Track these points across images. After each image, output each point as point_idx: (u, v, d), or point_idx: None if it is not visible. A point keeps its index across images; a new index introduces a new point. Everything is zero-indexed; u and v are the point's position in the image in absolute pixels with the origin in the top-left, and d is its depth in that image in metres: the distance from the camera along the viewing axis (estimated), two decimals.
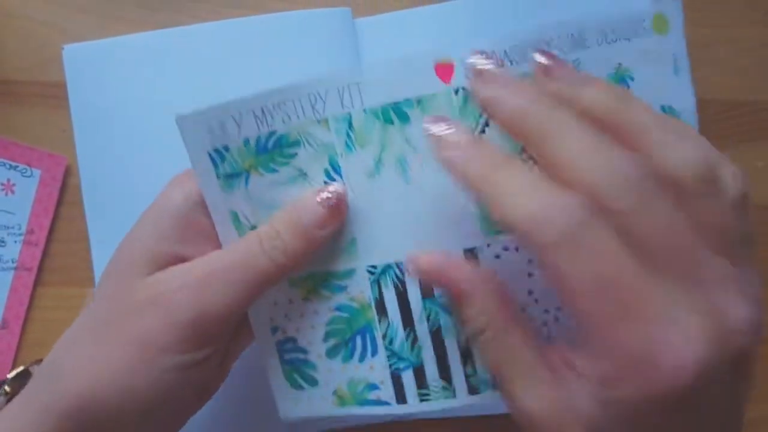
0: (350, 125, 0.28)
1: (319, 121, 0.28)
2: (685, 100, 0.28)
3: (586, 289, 0.21)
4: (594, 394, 0.22)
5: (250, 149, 0.28)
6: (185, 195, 0.28)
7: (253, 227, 0.28)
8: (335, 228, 0.28)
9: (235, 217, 0.28)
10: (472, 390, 0.29)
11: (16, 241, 0.37)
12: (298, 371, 0.30)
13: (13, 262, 0.37)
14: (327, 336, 0.30)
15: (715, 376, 0.20)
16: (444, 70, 0.27)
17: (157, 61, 0.38)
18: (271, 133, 0.28)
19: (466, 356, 0.28)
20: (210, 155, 0.28)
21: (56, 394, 0.26)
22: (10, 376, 0.33)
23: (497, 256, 0.27)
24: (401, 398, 0.29)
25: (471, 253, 0.27)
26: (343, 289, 0.29)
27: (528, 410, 0.23)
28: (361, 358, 0.29)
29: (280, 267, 0.27)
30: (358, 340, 0.29)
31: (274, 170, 0.28)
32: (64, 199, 0.38)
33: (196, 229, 0.28)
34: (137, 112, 0.38)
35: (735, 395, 0.22)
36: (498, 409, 0.34)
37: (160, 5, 0.39)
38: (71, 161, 0.38)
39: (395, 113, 0.27)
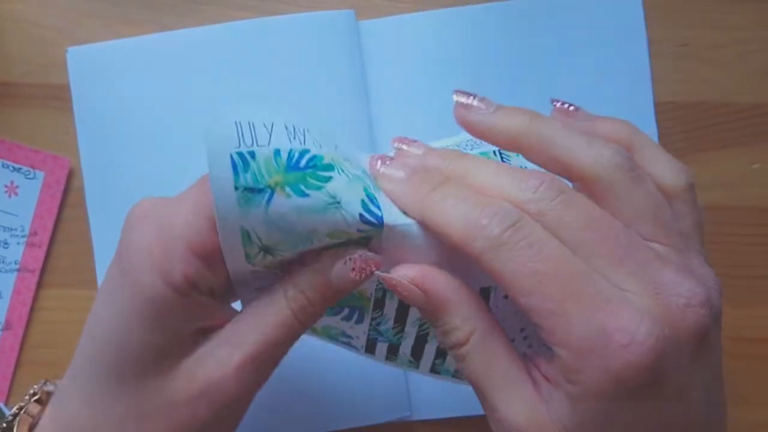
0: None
1: (344, 159, 0.25)
2: None
3: (528, 286, 0.21)
4: (564, 396, 0.22)
5: (281, 163, 0.23)
6: (168, 283, 0.24)
7: (264, 247, 0.24)
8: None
9: (246, 236, 0.24)
10: (434, 371, 0.31)
11: (19, 243, 0.37)
12: None
13: (16, 263, 0.37)
14: None
15: (674, 354, 0.21)
16: None
17: (161, 64, 0.38)
18: (305, 151, 0.24)
19: (441, 355, 0.30)
20: (232, 158, 0.23)
21: None
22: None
23: (505, 297, 0.27)
24: (370, 350, 0.30)
25: (485, 291, 0.27)
26: None
27: (510, 421, 0.23)
28: (345, 319, 0.29)
29: (308, 327, 0.27)
30: (346, 311, 0.29)
31: (303, 194, 0.23)
32: (67, 201, 0.38)
33: (197, 306, 0.25)
34: (141, 115, 0.38)
35: (703, 383, 0.22)
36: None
37: (165, 8, 0.39)
38: (74, 163, 0.38)
39: None
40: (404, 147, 0.27)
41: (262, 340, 0.25)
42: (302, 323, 0.26)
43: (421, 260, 0.26)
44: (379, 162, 0.26)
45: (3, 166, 0.37)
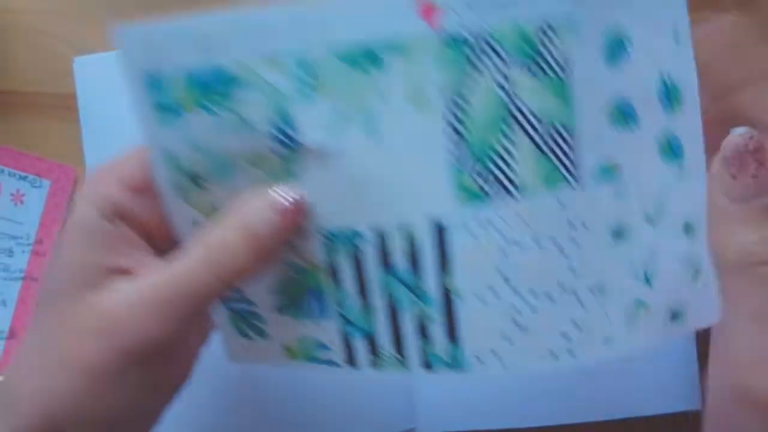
0: (309, 69, 0.24)
1: (269, 61, 0.24)
2: (686, 73, 0.26)
3: None
4: None
5: (188, 81, 0.24)
6: (96, 207, 0.26)
7: (191, 175, 0.25)
8: (292, 236, 0.26)
9: (170, 159, 0.25)
10: (426, 365, 0.28)
11: (24, 251, 0.37)
12: (246, 321, 0.29)
13: (21, 272, 0.37)
14: (275, 292, 0.28)
15: None
16: (428, 11, 0.24)
17: None
18: (213, 67, 0.24)
19: (423, 334, 0.27)
20: (145, 78, 0.24)
21: (18, 417, 0.25)
22: None
23: (467, 231, 0.25)
24: (352, 362, 0.28)
25: (439, 224, 0.25)
26: (293, 248, 0.27)
27: None
28: (312, 318, 0.28)
29: (233, 286, 0.26)
30: (307, 301, 0.28)
31: (212, 111, 0.24)
32: (72, 209, 0.38)
33: (122, 241, 0.26)
34: None
35: None
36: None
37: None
38: (80, 172, 0.38)
39: (367, 57, 0.24)
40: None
41: (171, 284, 0.24)
42: (219, 277, 0.25)
43: (348, 189, 0.25)
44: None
45: (9, 175, 0.37)
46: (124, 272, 0.26)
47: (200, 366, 0.38)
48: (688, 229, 0.26)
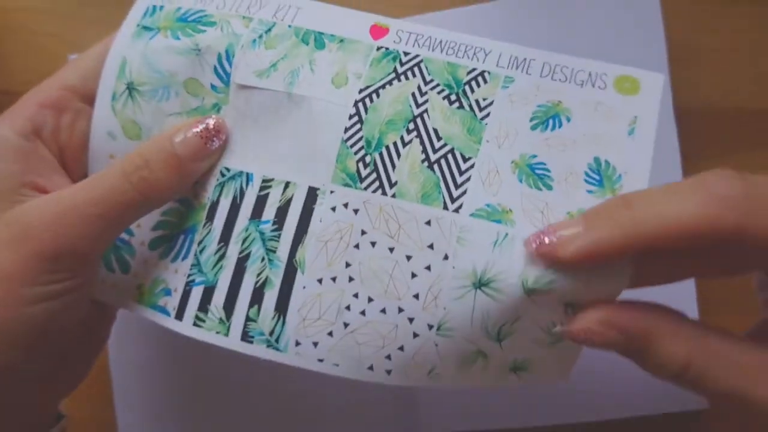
0: (268, 30, 0.29)
1: (243, 17, 0.29)
2: (635, 164, 0.26)
3: None
4: None
5: (176, 15, 0.29)
6: (14, 129, 0.27)
7: (130, 84, 0.28)
8: (213, 161, 0.28)
9: (122, 66, 0.28)
10: (246, 337, 0.27)
11: None
12: (116, 253, 0.29)
13: None
14: (157, 225, 0.29)
15: None
16: (378, 31, 0.29)
17: None
18: (200, 10, 0.29)
19: (256, 299, 0.27)
20: (147, 7, 0.29)
21: None
22: None
23: (333, 209, 0.27)
24: (180, 314, 0.28)
25: (314, 193, 0.27)
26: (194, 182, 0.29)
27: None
28: (174, 259, 0.29)
29: (150, 199, 0.26)
30: (180, 239, 0.29)
31: (177, 37, 0.28)
32: None
33: (37, 158, 0.27)
34: None
35: None
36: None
37: None
38: None
39: (315, 38, 0.29)
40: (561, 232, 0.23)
41: (86, 195, 0.25)
42: (137, 189, 0.26)
43: (259, 139, 0.28)
44: (538, 240, 0.23)
45: None
46: (39, 190, 0.27)
47: (208, 369, 0.38)
48: (570, 307, 0.24)
